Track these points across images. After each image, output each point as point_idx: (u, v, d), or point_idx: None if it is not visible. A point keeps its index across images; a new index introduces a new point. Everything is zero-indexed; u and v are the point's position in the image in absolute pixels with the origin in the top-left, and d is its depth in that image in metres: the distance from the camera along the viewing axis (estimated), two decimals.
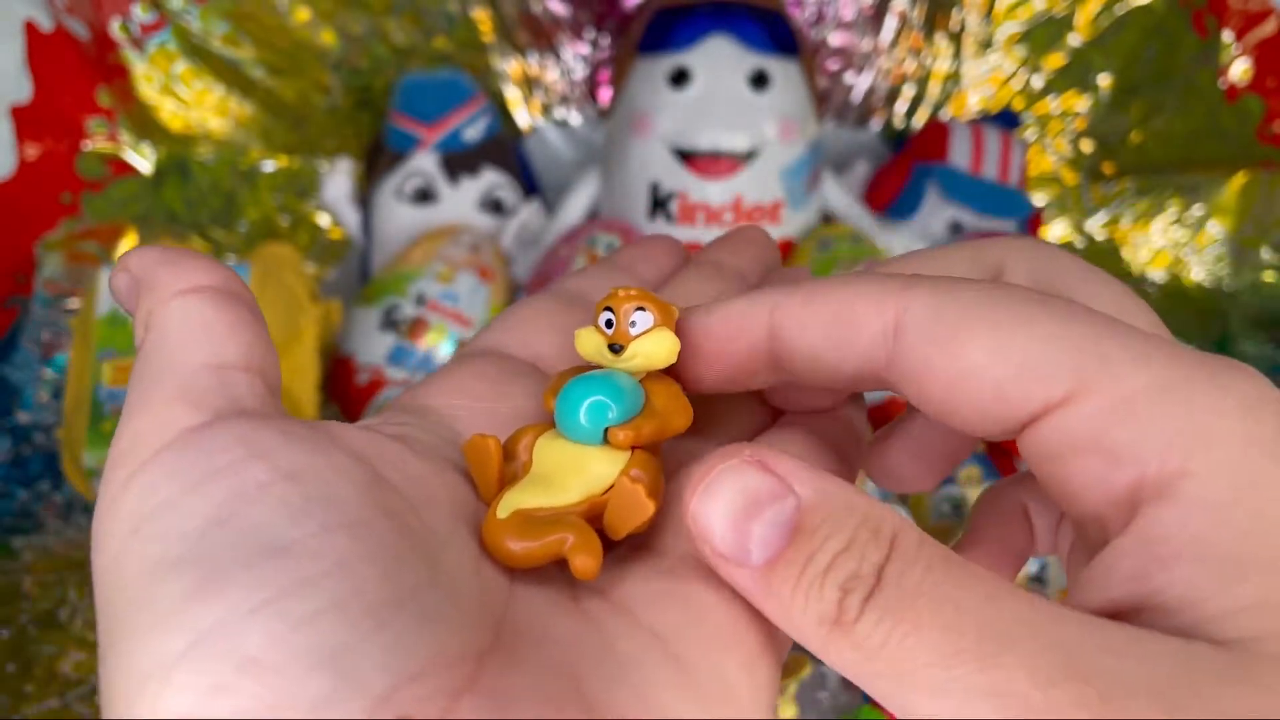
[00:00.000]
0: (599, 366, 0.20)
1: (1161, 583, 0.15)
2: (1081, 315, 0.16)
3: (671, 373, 0.20)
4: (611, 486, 0.18)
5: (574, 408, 0.18)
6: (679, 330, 0.20)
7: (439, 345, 0.69)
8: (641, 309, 0.19)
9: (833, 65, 0.88)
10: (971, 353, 0.17)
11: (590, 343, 0.19)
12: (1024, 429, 0.17)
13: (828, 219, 0.80)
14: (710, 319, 0.20)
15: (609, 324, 0.19)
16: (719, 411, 0.22)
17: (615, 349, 0.19)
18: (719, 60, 0.73)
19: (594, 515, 0.18)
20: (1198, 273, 0.85)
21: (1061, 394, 0.16)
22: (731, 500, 0.15)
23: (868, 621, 0.14)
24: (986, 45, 0.88)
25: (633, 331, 0.19)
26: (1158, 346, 0.16)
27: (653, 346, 0.19)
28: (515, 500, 0.18)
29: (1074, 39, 0.86)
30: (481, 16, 0.84)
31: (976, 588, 0.14)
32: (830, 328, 0.18)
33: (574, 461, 0.18)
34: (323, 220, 0.83)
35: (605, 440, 0.18)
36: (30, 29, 0.74)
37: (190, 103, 0.81)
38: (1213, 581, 0.14)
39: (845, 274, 0.19)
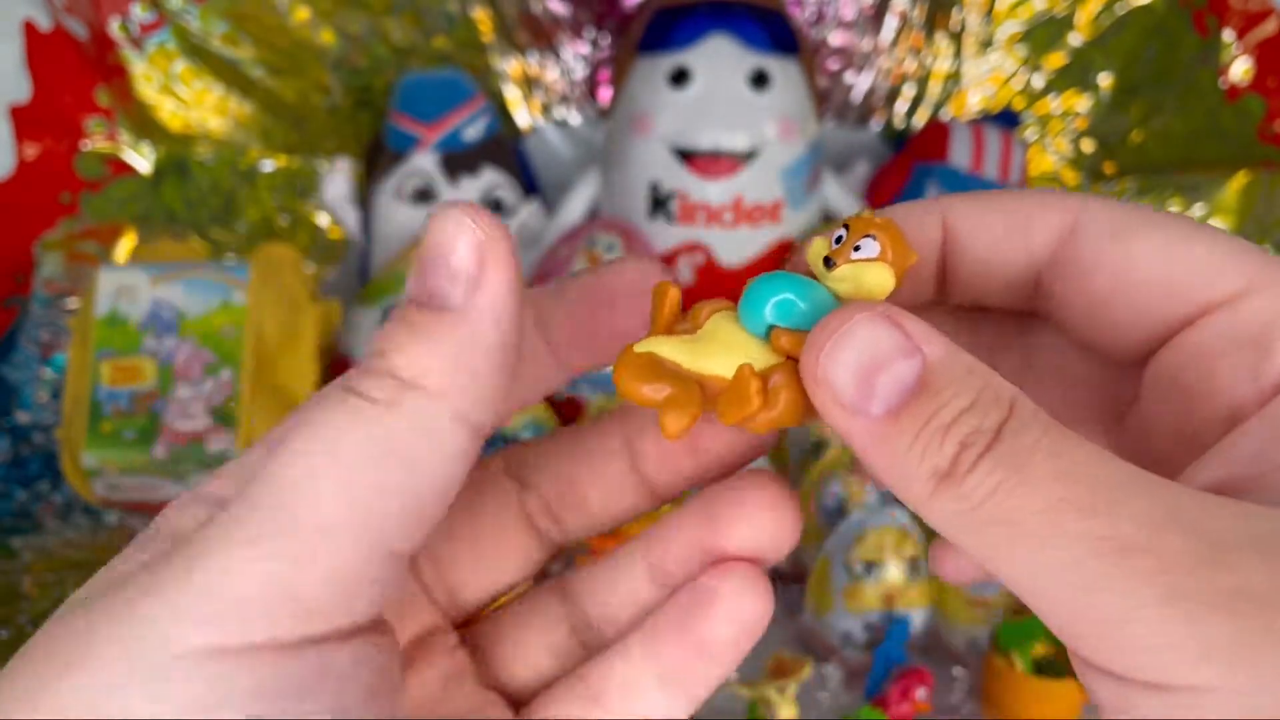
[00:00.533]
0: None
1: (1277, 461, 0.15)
2: (1230, 236, 0.17)
3: None
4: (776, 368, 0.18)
5: (756, 296, 0.18)
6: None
7: None
8: (871, 236, 0.18)
9: (833, 65, 0.88)
10: (1147, 250, 0.17)
11: (815, 251, 0.19)
12: (1178, 330, 0.17)
13: (828, 219, 0.80)
14: (882, 215, 0.20)
15: (839, 239, 0.18)
16: None
17: (829, 263, 0.18)
18: (719, 60, 0.72)
19: (717, 395, 0.18)
20: None
21: (1233, 291, 0.17)
22: (861, 351, 0.16)
23: (980, 472, 0.15)
24: (987, 45, 0.88)
25: (854, 255, 0.18)
26: None
27: (865, 275, 0.18)
28: (657, 345, 0.18)
29: (1075, 38, 0.86)
30: (481, 16, 0.84)
31: (1089, 450, 0.15)
32: (1007, 226, 0.19)
33: (734, 342, 0.18)
34: (322, 220, 0.83)
35: (769, 338, 0.18)
36: (29, 28, 0.74)
37: (189, 102, 0.80)
38: None
39: (1014, 190, 0.19)
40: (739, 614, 0.18)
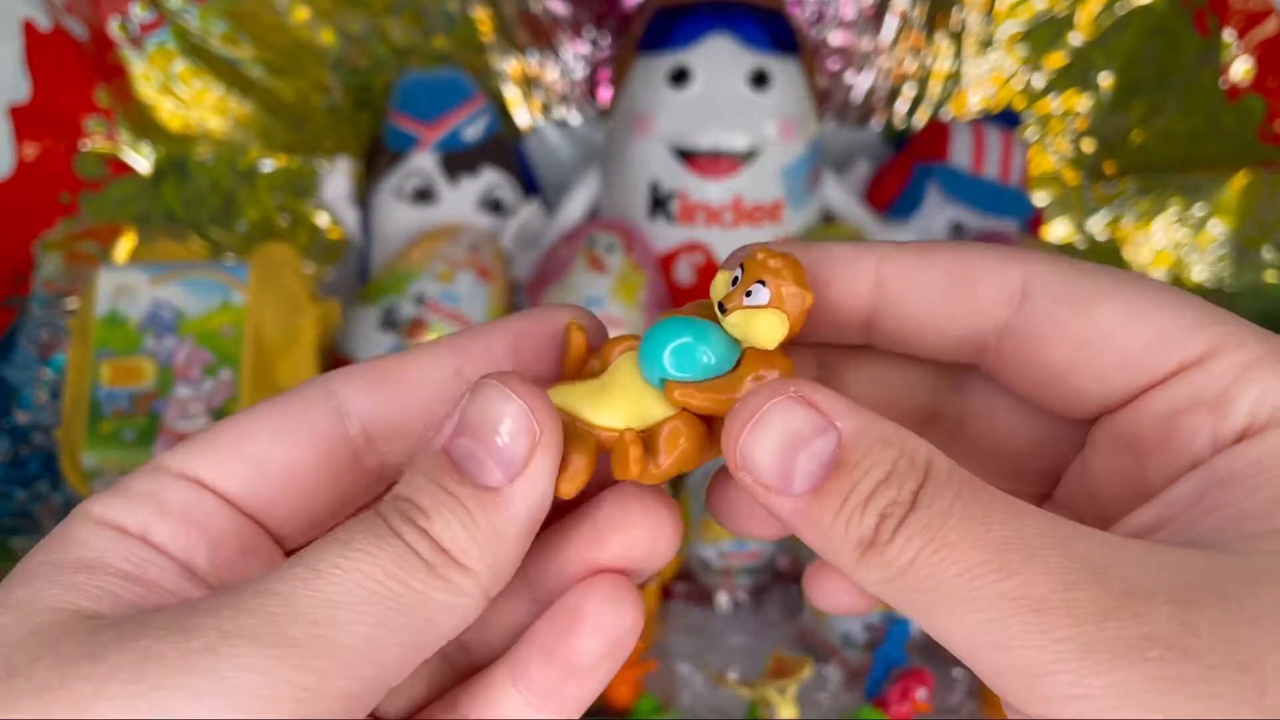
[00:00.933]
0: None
1: (1214, 503, 0.16)
2: (1186, 295, 0.18)
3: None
4: (647, 429, 0.18)
5: (653, 343, 0.18)
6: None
7: None
8: (761, 282, 0.18)
9: (833, 65, 0.88)
10: (1107, 316, 0.17)
11: (715, 290, 0.19)
12: (1137, 395, 0.18)
13: (828, 219, 0.80)
14: (809, 254, 0.19)
15: (735, 280, 0.18)
16: None
17: (721, 308, 0.18)
18: (719, 59, 0.72)
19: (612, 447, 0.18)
20: (1199, 272, 0.85)
21: (1195, 355, 0.17)
22: (778, 435, 0.17)
23: (900, 541, 0.16)
24: (987, 45, 0.88)
25: (745, 301, 0.18)
26: (1247, 325, 0.17)
27: (755, 324, 0.18)
28: (565, 397, 0.18)
29: (1075, 38, 0.86)
30: (481, 16, 0.84)
31: (1002, 508, 0.16)
32: (946, 284, 0.18)
33: (636, 389, 0.18)
34: (322, 220, 0.83)
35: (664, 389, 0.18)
36: (29, 28, 0.74)
37: (189, 102, 0.80)
38: (1263, 508, 0.16)
39: (947, 240, 0.19)
40: (606, 631, 0.18)
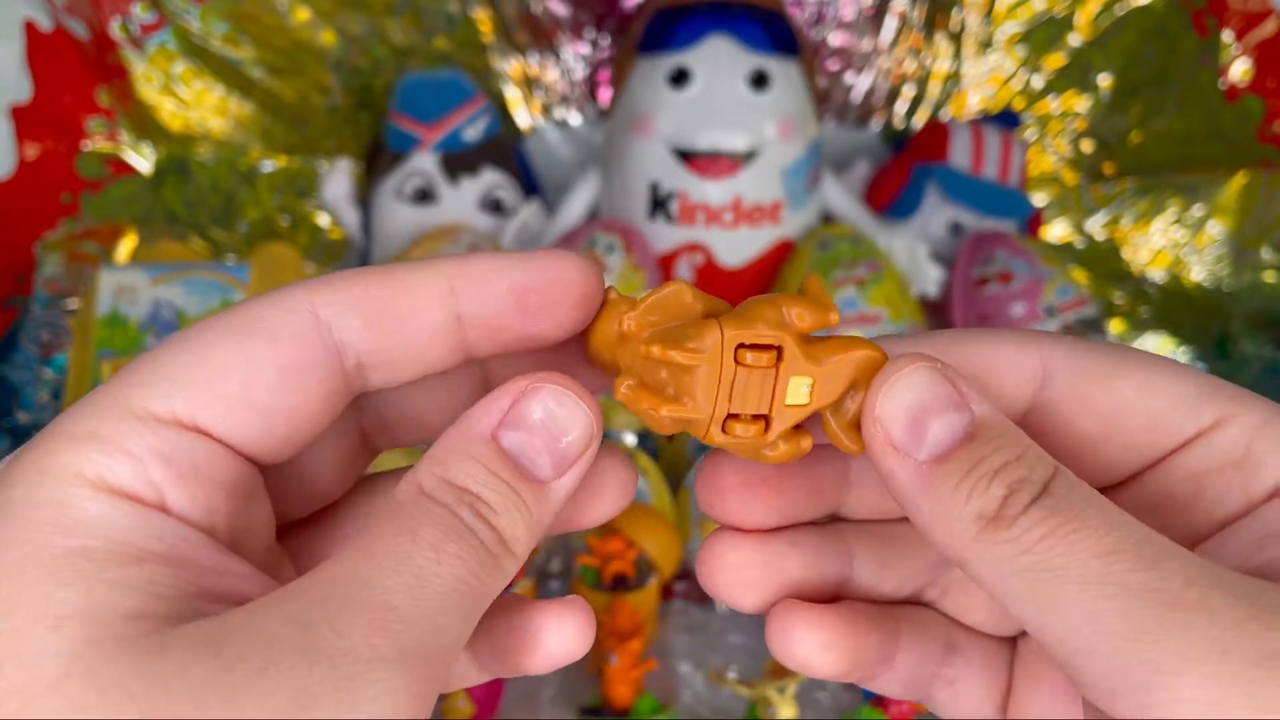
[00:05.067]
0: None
1: (1275, 554, 0.17)
2: (1193, 369, 0.19)
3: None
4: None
5: None
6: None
7: None
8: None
9: (833, 65, 0.88)
10: (1126, 388, 0.19)
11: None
12: (1166, 456, 0.19)
13: (828, 219, 0.80)
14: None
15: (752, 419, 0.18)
16: None
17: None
18: (719, 60, 0.72)
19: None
20: (1198, 272, 0.85)
21: (1211, 421, 0.18)
22: (916, 397, 0.17)
23: (1032, 517, 0.16)
24: (987, 45, 0.88)
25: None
26: (1249, 392, 0.19)
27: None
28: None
29: (1074, 39, 0.86)
30: (481, 16, 0.84)
31: (1131, 516, 0.16)
32: (977, 373, 0.19)
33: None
34: (323, 220, 0.83)
35: None
36: (30, 29, 0.74)
37: (190, 103, 0.81)
38: None
39: (968, 330, 0.20)
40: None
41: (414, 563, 0.16)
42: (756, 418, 0.18)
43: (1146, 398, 0.18)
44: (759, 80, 0.73)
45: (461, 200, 0.77)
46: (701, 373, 0.17)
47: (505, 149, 0.81)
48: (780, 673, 0.53)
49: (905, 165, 0.83)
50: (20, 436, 0.69)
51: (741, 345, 0.17)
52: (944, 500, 0.17)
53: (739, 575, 0.20)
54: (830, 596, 0.21)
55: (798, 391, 0.18)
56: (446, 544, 0.16)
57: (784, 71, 0.74)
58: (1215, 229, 0.84)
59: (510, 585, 0.21)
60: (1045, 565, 0.15)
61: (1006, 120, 0.86)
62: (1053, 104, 0.88)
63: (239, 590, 0.16)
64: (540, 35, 0.86)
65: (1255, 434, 0.18)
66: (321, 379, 0.17)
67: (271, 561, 0.19)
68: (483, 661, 0.20)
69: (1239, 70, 0.81)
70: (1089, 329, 0.69)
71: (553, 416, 0.17)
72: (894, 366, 0.17)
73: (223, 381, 0.17)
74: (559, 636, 0.19)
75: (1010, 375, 0.19)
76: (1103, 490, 0.19)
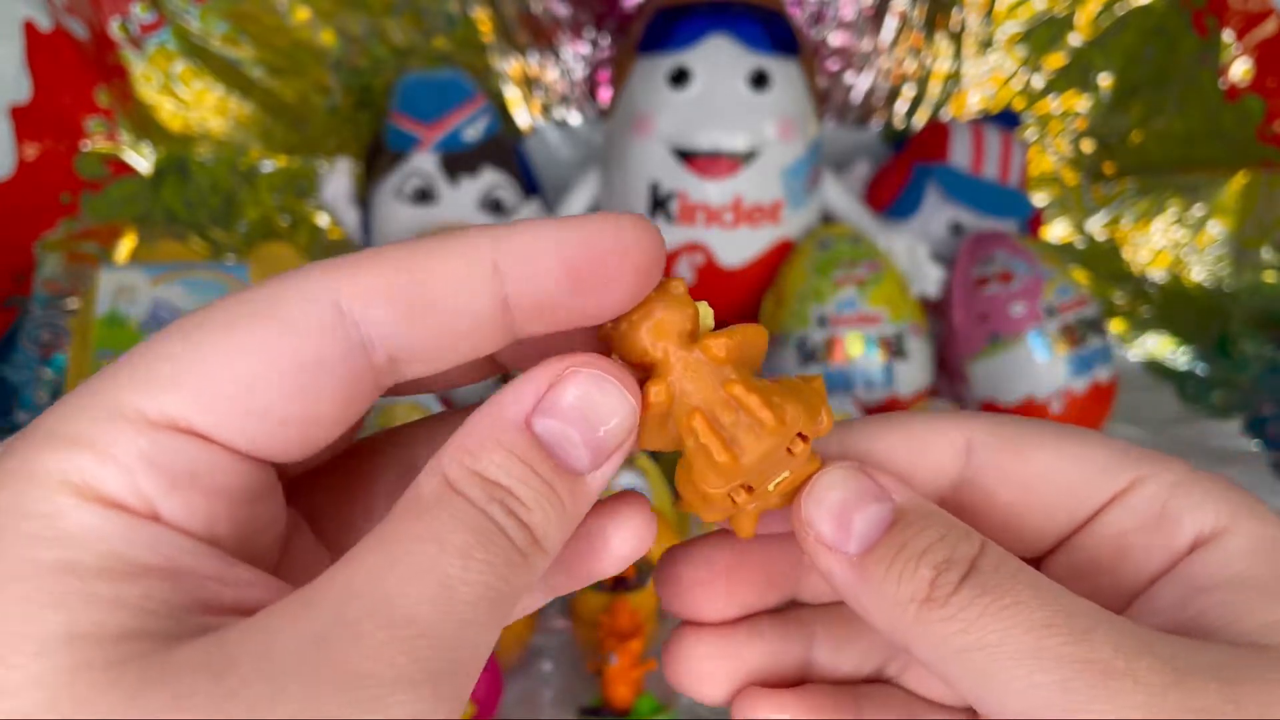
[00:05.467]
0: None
1: (1203, 607, 0.17)
2: (1106, 438, 0.20)
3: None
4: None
5: None
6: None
7: None
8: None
9: (833, 65, 0.88)
10: (1041, 457, 0.19)
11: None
12: (1088, 521, 0.19)
13: (828, 219, 0.80)
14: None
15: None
16: None
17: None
18: (719, 60, 0.72)
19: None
20: (1198, 273, 0.85)
21: (1126, 482, 0.19)
22: (838, 496, 0.18)
23: (964, 596, 0.16)
24: (987, 45, 0.88)
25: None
26: (1162, 454, 0.20)
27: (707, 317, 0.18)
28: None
29: (1074, 39, 0.86)
30: (481, 16, 0.84)
31: (1059, 587, 0.17)
32: (907, 454, 0.20)
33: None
34: (322, 220, 0.83)
35: None
36: (29, 29, 0.74)
37: (189, 103, 0.80)
38: (1250, 604, 0.17)
39: (889, 416, 0.21)
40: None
41: (440, 570, 0.14)
42: (746, 487, 0.18)
43: (1062, 464, 0.19)
44: (759, 80, 0.73)
45: (461, 200, 0.77)
46: (772, 443, 0.17)
47: (505, 149, 0.81)
48: None
49: (905, 165, 0.83)
50: None
51: (800, 434, 0.18)
52: (879, 588, 0.17)
53: (702, 669, 0.20)
54: (793, 680, 0.21)
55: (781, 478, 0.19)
56: (475, 550, 0.15)
57: (784, 71, 0.74)
58: (1216, 229, 0.84)
59: None
60: (980, 643, 0.16)
61: (1007, 120, 0.86)
62: (1053, 104, 0.88)
63: (246, 599, 0.15)
64: (540, 35, 0.86)
65: (1170, 492, 0.19)
66: (341, 380, 0.16)
67: (282, 541, 0.17)
68: (553, 583, 0.19)
69: (1239, 70, 0.81)
70: (1089, 329, 0.69)
71: (590, 402, 0.16)
72: (819, 472, 0.19)
73: (222, 381, 0.15)
74: (623, 536, 0.18)
75: (934, 454, 0.20)
76: (1033, 559, 0.20)
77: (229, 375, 0.15)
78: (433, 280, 0.16)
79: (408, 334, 0.16)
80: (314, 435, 0.16)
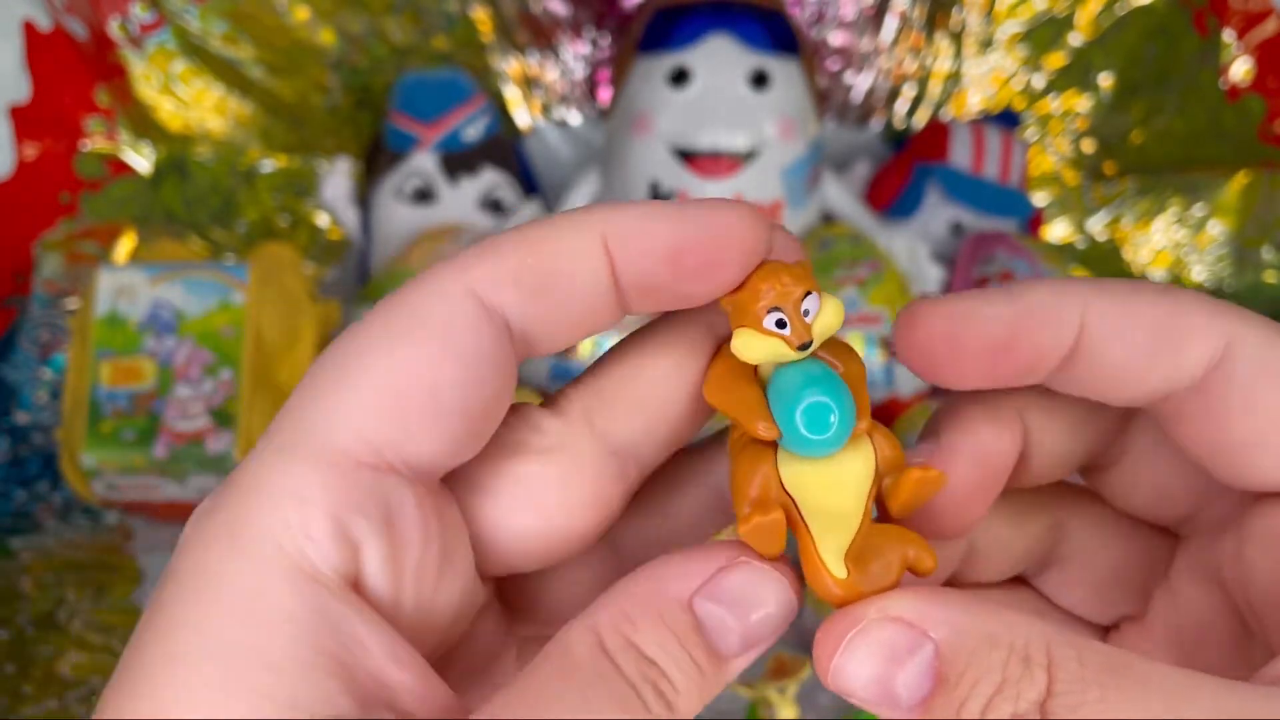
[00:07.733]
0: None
1: None
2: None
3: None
4: (878, 476, 0.17)
5: (818, 421, 0.16)
6: (943, 317, 0.18)
7: None
8: (809, 293, 0.17)
9: (833, 65, 0.88)
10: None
11: (764, 349, 0.17)
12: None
13: (828, 219, 0.80)
14: (1012, 308, 0.18)
15: (780, 324, 0.17)
16: None
17: (807, 347, 0.17)
18: (719, 59, 0.72)
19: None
20: (1199, 273, 0.85)
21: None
22: (871, 657, 0.16)
23: None
24: (987, 45, 0.88)
25: (808, 320, 0.17)
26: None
27: (831, 321, 0.17)
28: (829, 549, 0.17)
29: (1075, 38, 0.86)
30: (481, 16, 0.84)
31: (1160, 700, 0.14)
32: (1152, 335, 0.17)
33: (832, 477, 0.17)
34: (322, 220, 0.83)
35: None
36: (29, 28, 0.74)
37: (189, 102, 0.80)
38: None
39: (1151, 284, 0.18)
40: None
41: None
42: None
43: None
44: (759, 80, 0.73)
45: (461, 200, 0.77)
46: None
47: (505, 149, 0.81)
48: (781, 673, 0.53)
49: (906, 165, 0.83)
50: (19, 437, 0.69)
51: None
52: None
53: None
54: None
55: None
56: None
57: (784, 71, 0.74)
58: (1216, 229, 0.84)
59: None
60: None
61: (1007, 120, 0.86)
62: (1054, 104, 0.88)
63: (396, 703, 0.15)
64: (540, 35, 0.86)
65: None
66: (499, 365, 0.16)
67: (471, 611, 0.18)
68: None
69: (1240, 70, 0.81)
70: None
71: (752, 591, 0.16)
72: (836, 628, 0.16)
73: (409, 395, 0.15)
74: None
75: (1193, 347, 0.17)
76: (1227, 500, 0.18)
77: (411, 386, 0.15)
78: (555, 258, 0.16)
79: (534, 312, 0.16)
80: (483, 427, 0.17)
